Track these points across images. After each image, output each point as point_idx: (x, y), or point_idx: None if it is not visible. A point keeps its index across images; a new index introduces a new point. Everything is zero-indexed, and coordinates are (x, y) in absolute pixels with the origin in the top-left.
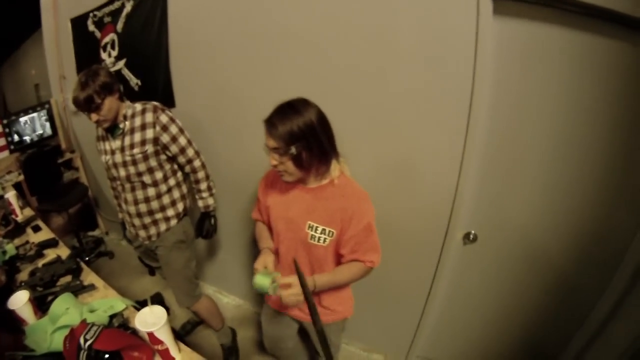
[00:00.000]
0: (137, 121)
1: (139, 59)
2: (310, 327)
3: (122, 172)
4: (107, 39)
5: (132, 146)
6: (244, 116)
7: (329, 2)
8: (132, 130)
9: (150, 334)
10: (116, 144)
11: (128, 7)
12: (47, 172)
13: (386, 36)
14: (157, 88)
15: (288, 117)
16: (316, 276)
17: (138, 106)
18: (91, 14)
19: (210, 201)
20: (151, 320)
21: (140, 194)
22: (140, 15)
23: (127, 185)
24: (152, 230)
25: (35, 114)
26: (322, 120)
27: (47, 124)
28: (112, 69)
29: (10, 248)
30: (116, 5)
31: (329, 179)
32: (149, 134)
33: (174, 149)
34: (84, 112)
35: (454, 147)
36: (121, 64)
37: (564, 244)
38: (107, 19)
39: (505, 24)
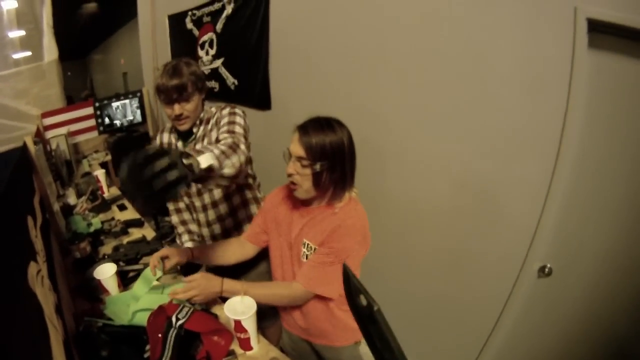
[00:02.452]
0: (209, 125)
1: (237, 60)
2: (325, 353)
3: (193, 188)
4: (205, 38)
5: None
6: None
7: (431, 25)
8: (204, 137)
9: (237, 322)
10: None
11: (228, 9)
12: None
13: (484, 61)
14: (254, 89)
15: (324, 131)
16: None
17: (213, 109)
18: (190, 13)
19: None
20: (240, 309)
21: (211, 214)
22: (241, 18)
23: (198, 203)
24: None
25: (127, 101)
26: (351, 147)
27: (138, 112)
28: (209, 67)
29: (96, 222)
30: (216, 6)
31: (332, 202)
32: (213, 136)
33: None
34: (167, 102)
35: (541, 177)
36: (219, 62)
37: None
38: (206, 19)
39: (600, 58)
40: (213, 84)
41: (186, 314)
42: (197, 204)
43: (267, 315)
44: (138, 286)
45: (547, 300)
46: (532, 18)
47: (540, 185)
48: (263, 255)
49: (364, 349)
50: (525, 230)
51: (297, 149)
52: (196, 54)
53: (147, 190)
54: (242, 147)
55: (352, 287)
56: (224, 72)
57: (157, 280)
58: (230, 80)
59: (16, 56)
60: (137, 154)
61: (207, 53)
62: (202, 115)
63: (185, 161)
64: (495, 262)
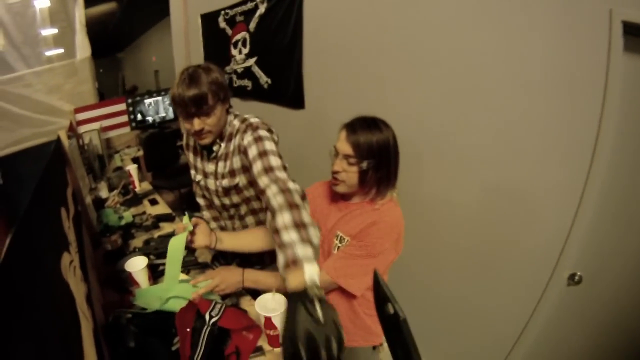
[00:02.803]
0: (232, 145)
1: (270, 59)
2: None
3: (216, 201)
4: (238, 37)
5: (223, 175)
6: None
7: (468, 26)
8: (225, 156)
9: (268, 319)
10: (210, 167)
11: (262, 9)
12: (165, 152)
13: (520, 64)
14: (288, 88)
15: (371, 130)
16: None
17: (236, 123)
18: (222, 12)
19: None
20: (271, 306)
21: (237, 223)
22: (274, 17)
23: (224, 214)
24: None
25: (159, 98)
26: (396, 146)
27: (170, 109)
28: (243, 65)
29: (127, 215)
30: (249, 5)
31: (373, 198)
32: (237, 162)
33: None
34: (186, 116)
35: (575, 183)
36: (252, 61)
37: None
38: (239, 18)
39: (636, 61)
40: (246, 83)
41: (219, 311)
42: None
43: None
44: (167, 278)
45: (576, 309)
46: (568, 21)
47: (573, 191)
48: None
49: (382, 355)
50: (556, 236)
51: (345, 147)
52: (229, 53)
53: None
54: (291, 185)
55: (380, 294)
56: (257, 70)
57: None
58: (264, 79)
59: (49, 53)
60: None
61: (240, 52)
62: (225, 129)
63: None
64: (525, 268)
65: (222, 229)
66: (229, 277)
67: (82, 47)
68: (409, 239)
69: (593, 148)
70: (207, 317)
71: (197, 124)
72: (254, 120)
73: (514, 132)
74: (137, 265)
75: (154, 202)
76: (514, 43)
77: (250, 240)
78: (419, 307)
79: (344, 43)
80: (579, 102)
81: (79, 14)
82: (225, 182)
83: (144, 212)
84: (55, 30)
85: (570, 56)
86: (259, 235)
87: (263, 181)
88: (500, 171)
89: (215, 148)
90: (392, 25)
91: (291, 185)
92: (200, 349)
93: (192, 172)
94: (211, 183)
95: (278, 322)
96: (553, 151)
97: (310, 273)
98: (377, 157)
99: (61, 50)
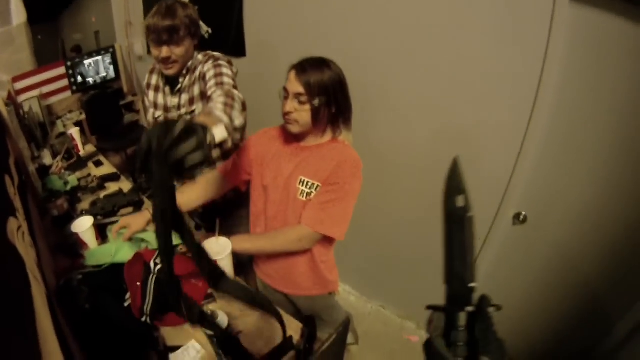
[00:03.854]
0: (194, 76)
1: (210, 7)
2: (300, 302)
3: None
4: None
5: (183, 106)
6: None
7: None
8: (188, 88)
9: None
10: (173, 101)
11: None
12: (108, 113)
13: (466, 11)
14: (229, 36)
15: (321, 69)
16: (235, 239)
17: (200, 57)
18: None
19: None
20: (216, 250)
21: None
22: None
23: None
24: None
25: (99, 57)
26: (345, 84)
27: (111, 68)
28: None
29: (72, 179)
30: None
31: (329, 139)
32: (196, 90)
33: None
34: (157, 43)
35: (518, 126)
36: None
37: (616, 239)
38: None
39: (581, 12)
40: None
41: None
42: None
43: (243, 264)
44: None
45: (522, 247)
46: None
47: (516, 133)
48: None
49: (338, 298)
50: (501, 177)
51: (295, 86)
52: None
53: (167, 171)
54: (236, 92)
55: (454, 184)
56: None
57: None
58: (204, 29)
59: None
60: (162, 132)
61: None
62: (190, 63)
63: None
64: (473, 208)
65: None
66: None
67: (18, 13)
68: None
69: (536, 92)
70: (152, 264)
71: (165, 51)
72: (216, 53)
73: (460, 76)
74: (83, 225)
75: (98, 164)
76: None
77: (191, 196)
78: (371, 256)
79: None
80: (523, 49)
81: None
82: (184, 110)
83: (88, 175)
84: None
85: (516, 3)
86: (201, 187)
87: (211, 90)
88: (446, 114)
89: (180, 80)
90: None
91: (236, 92)
92: (149, 298)
93: (151, 111)
94: (173, 116)
95: (225, 265)
96: (497, 93)
97: (218, 132)
98: (328, 95)
99: None
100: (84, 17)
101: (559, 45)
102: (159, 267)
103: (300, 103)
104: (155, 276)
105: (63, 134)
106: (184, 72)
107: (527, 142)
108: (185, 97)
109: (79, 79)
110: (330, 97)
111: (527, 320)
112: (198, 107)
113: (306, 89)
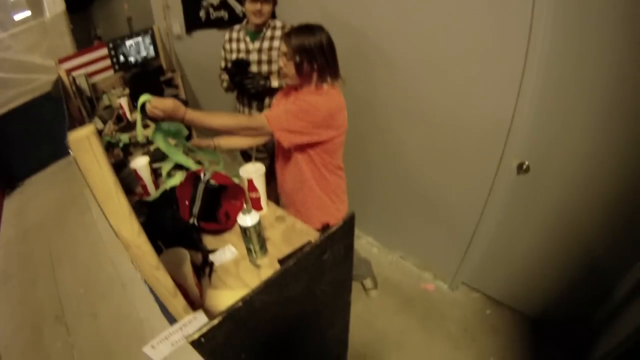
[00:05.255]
0: (277, 32)
1: None
2: None
3: (255, 68)
4: None
5: (270, 48)
6: (350, 41)
7: None
8: (271, 38)
9: (250, 181)
10: (255, 45)
11: None
12: (150, 88)
13: None
14: None
15: (302, 34)
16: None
17: (279, 22)
18: None
19: None
20: (252, 170)
21: (255, 104)
22: None
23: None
24: None
25: (139, 38)
26: (330, 45)
27: (151, 47)
28: None
29: (124, 138)
30: None
31: (316, 87)
32: (275, 43)
33: None
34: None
35: (512, 77)
36: None
37: (616, 186)
38: None
39: None
40: (222, 14)
41: (210, 173)
42: None
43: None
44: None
45: (527, 196)
46: None
47: (511, 86)
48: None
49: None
50: (500, 128)
51: (283, 47)
52: None
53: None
54: None
55: None
56: (232, 1)
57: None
58: (239, 8)
59: (17, 17)
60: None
61: None
62: (269, 21)
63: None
64: (476, 158)
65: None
66: (173, 111)
67: (55, 3)
68: (368, 135)
69: (527, 44)
70: (202, 175)
71: (257, 5)
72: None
73: (458, 33)
74: (140, 162)
75: (145, 127)
76: None
77: (234, 141)
78: (383, 204)
79: None
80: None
81: None
82: (274, 53)
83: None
84: None
85: None
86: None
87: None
88: (448, 69)
89: (264, 29)
90: None
91: None
92: (197, 201)
93: (228, 55)
94: (254, 56)
95: (259, 184)
96: (491, 46)
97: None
98: (309, 54)
99: (28, 13)
100: (115, 5)
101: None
102: (207, 177)
103: (287, 60)
104: (204, 185)
105: (109, 107)
106: (266, 26)
107: (522, 92)
108: (266, 44)
109: (121, 58)
110: (311, 56)
111: (533, 273)
112: (273, 54)
113: (289, 49)
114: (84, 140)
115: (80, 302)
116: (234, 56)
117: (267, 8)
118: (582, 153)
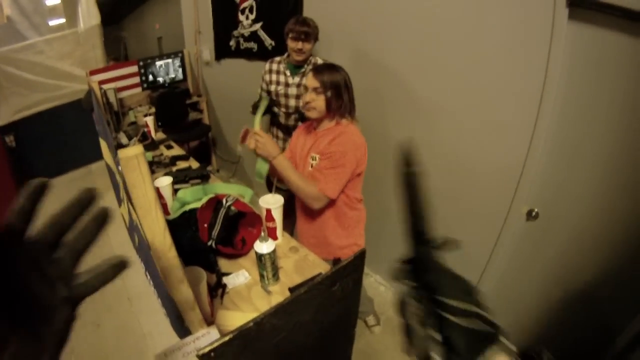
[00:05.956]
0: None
1: (274, 24)
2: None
3: (292, 102)
4: (245, 4)
5: (301, 84)
6: (374, 81)
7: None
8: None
9: (268, 211)
10: (294, 80)
11: None
12: (175, 109)
13: (479, 25)
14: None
15: (331, 71)
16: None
17: (320, 60)
18: None
19: None
20: (272, 201)
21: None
22: None
23: (292, 116)
24: None
25: (170, 60)
26: (350, 83)
27: (180, 70)
28: (249, 30)
29: (148, 155)
30: None
31: (337, 122)
32: None
33: None
34: (295, 39)
35: (526, 125)
36: (257, 26)
37: (621, 235)
38: None
39: (579, 29)
40: (252, 45)
41: (232, 199)
42: None
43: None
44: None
45: (535, 243)
46: None
47: (524, 135)
48: None
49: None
50: (512, 175)
51: (313, 82)
52: (237, 19)
53: None
54: None
55: (408, 156)
56: (262, 34)
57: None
58: (268, 41)
59: (52, 23)
60: None
61: (247, 18)
62: (311, 58)
63: None
64: (487, 202)
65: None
66: (270, 144)
67: (90, 15)
68: (390, 175)
69: (541, 94)
70: (224, 201)
71: (298, 44)
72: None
73: (473, 82)
74: (163, 181)
75: (169, 147)
76: (472, 12)
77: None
78: (394, 240)
79: (344, 9)
80: (527, 52)
81: None
82: (301, 88)
83: (161, 154)
84: (57, 1)
85: (519, 22)
86: None
87: None
88: (462, 116)
89: (305, 65)
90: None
91: None
92: (218, 225)
93: (269, 87)
94: (292, 90)
95: (276, 215)
96: (506, 97)
97: None
98: (338, 89)
99: (62, 20)
100: (146, 24)
101: (559, 55)
102: (229, 203)
103: (317, 94)
104: (225, 210)
105: (134, 123)
106: (307, 62)
107: (534, 141)
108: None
109: (150, 77)
110: (338, 92)
111: (538, 317)
112: None
113: (321, 84)
114: (133, 159)
115: (84, 310)
116: (272, 87)
117: (308, 46)
118: (590, 202)
